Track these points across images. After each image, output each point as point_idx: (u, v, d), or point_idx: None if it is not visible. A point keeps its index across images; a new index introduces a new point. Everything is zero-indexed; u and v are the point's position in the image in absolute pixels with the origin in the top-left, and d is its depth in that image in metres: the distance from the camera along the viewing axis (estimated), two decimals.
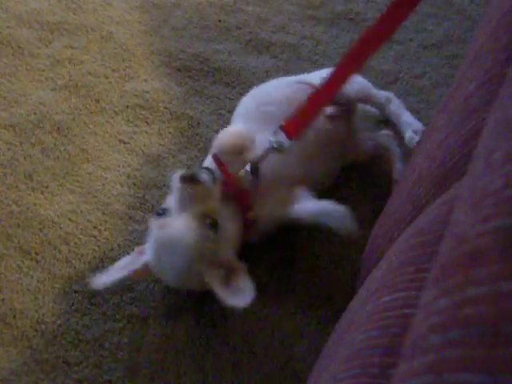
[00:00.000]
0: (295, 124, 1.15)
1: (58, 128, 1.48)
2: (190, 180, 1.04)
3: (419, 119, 1.52)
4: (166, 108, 1.54)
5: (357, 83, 1.37)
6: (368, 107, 1.49)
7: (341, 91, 1.21)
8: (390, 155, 1.38)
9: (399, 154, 1.37)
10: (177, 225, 1.04)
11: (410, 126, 1.37)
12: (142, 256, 1.11)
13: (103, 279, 1.12)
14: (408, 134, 1.35)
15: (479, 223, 0.29)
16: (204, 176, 1.05)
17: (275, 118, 1.22)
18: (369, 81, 1.60)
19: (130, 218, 1.32)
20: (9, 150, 1.42)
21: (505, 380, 0.23)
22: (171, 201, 1.10)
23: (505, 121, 0.35)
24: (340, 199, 1.14)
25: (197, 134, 1.49)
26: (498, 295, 0.25)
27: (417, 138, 1.32)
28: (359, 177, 1.41)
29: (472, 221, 0.30)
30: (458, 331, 0.26)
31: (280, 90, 1.33)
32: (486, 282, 0.26)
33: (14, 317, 1.16)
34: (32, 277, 1.22)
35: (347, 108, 1.38)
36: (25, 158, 1.41)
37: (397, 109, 1.41)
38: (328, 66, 1.65)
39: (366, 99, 1.42)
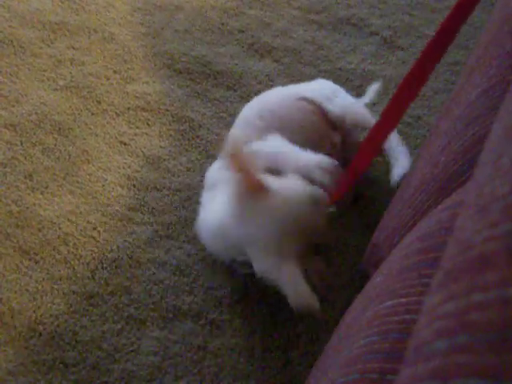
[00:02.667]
0: (338, 190, 1.17)
1: (59, 128, 1.47)
2: None
3: (420, 125, 1.53)
4: (167, 110, 1.54)
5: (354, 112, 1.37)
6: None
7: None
8: (392, 158, 1.37)
9: (404, 156, 1.36)
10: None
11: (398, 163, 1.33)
12: None
13: None
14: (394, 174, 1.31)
15: (486, 228, 0.29)
16: None
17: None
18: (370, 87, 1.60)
19: (130, 219, 1.32)
20: (9, 149, 1.42)
21: None
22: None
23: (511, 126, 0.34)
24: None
25: (197, 137, 1.49)
26: (506, 301, 0.25)
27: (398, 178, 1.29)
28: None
29: (478, 226, 0.30)
30: (465, 336, 0.26)
31: (291, 115, 1.29)
32: (493, 287, 0.26)
33: (12, 317, 1.16)
34: (30, 277, 1.21)
35: None
36: (25, 157, 1.41)
37: (393, 144, 1.36)
38: (329, 71, 1.65)
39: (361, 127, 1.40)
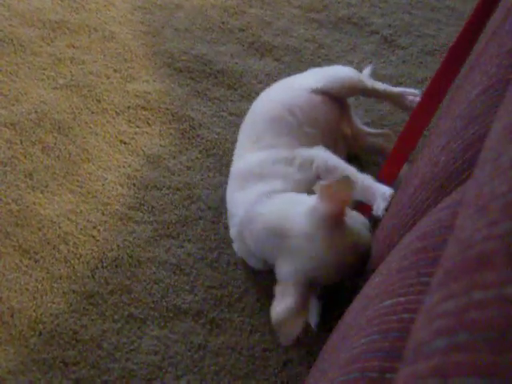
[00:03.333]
0: (391, 171, 1.20)
1: (59, 127, 1.47)
2: None
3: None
4: (167, 109, 1.54)
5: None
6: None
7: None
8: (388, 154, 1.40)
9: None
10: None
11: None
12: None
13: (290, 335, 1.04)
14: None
15: (486, 227, 0.29)
16: None
17: (315, 139, 1.26)
18: None
19: (130, 218, 1.31)
20: (9, 148, 1.42)
21: None
22: None
23: (511, 125, 0.34)
24: None
25: (198, 136, 1.48)
26: (506, 299, 0.25)
27: None
28: None
29: (478, 225, 0.30)
30: (464, 335, 0.26)
31: (317, 108, 1.32)
32: (493, 286, 0.26)
33: (12, 316, 1.16)
34: (30, 276, 1.21)
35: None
36: (25, 156, 1.41)
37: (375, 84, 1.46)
38: None
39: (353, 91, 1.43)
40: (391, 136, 1.44)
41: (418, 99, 1.38)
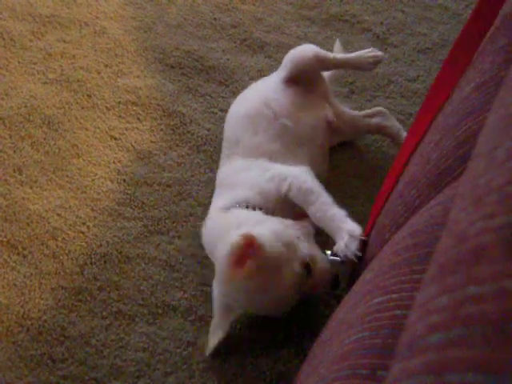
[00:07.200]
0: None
1: (49, 122, 1.46)
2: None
3: (412, 122, 1.53)
4: (158, 105, 1.53)
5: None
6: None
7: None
8: (388, 131, 1.42)
9: (398, 127, 1.41)
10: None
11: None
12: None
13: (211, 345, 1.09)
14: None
15: (481, 220, 0.29)
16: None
17: (289, 133, 1.26)
18: (363, 84, 1.60)
19: (120, 214, 1.30)
20: None
21: (508, 381, 0.22)
22: None
23: (507, 118, 0.34)
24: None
25: (188, 132, 1.48)
26: (502, 293, 0.24)
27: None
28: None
29: (473, 218, 0.30)
30: (460, 330, 0.25)
31: (291, 100, 1.32)
32: (489, 280, 0.25)
33: None
34: (19, 272, 1.20)
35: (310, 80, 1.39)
36: (14, 151, 1.39)
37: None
38: None
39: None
40: (386, 113, 1.44)
41: (379, 53, 1.39)
